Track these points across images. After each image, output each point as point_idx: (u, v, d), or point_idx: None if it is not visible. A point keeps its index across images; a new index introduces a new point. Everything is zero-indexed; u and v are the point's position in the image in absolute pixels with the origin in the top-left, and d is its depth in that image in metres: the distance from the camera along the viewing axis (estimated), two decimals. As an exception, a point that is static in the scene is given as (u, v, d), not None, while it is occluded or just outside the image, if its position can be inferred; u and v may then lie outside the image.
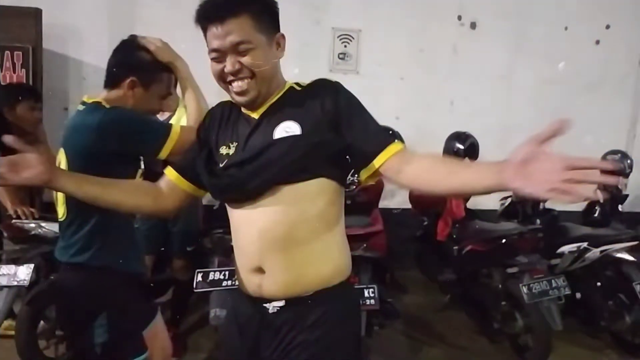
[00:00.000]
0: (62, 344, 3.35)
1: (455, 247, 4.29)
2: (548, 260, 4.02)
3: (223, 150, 1.64)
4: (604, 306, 3.73)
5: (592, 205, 4.53)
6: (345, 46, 6.05)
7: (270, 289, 1.59)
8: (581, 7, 6.19)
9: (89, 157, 2.03)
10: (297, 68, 3.40)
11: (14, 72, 4.78)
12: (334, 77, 1.66)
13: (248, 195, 1.54)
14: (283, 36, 1.63)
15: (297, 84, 1.68)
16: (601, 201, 4.51)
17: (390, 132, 4.56)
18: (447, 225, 4.56)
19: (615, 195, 4.67)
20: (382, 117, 1.77)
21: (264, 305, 1.60)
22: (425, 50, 6.17)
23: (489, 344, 4.11)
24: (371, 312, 3.38)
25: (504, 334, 3.90)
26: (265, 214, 1.55)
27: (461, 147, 4.68)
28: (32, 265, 3.19)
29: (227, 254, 3.44)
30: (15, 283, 3.16)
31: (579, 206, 4.73)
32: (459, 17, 6.19)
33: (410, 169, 1.48)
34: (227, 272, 3.33)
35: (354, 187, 4.21)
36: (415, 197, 4.85)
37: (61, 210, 2.19)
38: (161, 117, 3.42)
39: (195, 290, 3.41)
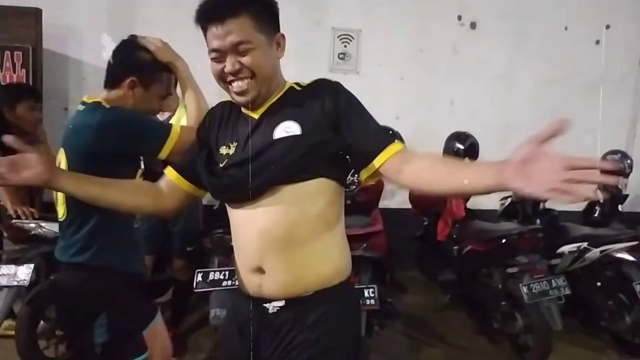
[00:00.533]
0: (62, 344, 3.35)
1: (455, 247, 4.29)
2: (548, 260, 4.02)
3: (223, 150, 1.64)
4: (604, 306, 3.73)
5: (592, 205, 4.53)
6: (345, 46, 6.05)
7: (270, 289, 1.59)
8: (581, 7, 6.19)
9: (89, 157, 2.03)
10: (297, 68, 3.40)
11: (14, 72, 4.78)
12: (334, 77, 1.66)
13: (248, 195, 1.53)
14: (283, 36, 1.63)
15: (297, 84, 1.68)
16: (601, 201, 4.51)
17: (390, 132, 4.55)
18: (447, 225, 4.56)
19: (615, 195, 4.67)
20: (382, 117, 1.77)
21: (264, 305, 1.61)
22: (425, 50, 6.16)
23: (489, 344, 4.11)
24: (371, 312, 3.38)
25: (504, 334, 3.90)
26: (265, 214, 1.55)
27: (461, 147, 4.68)
28: (32, 265, 3.19)
29: (227, 254, 3.44)
30: (15, 283, 3.16)
31: (579, 206, 4.74)
32: (459, 17, 6.19)
33: (410, 169, 1.48)
34: (227, 272, 3.33)
35: (354, 187, 4.21)
36: (415, 197, 4.85)
37: (61, 210, 2.19)
38: (161, 117, 3.42)
39: (195, 290, 3.41)
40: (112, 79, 2.16)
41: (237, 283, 1.76)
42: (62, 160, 2.13)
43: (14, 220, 3.29)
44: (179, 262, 3.99)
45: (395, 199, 5.82)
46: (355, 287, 3.15)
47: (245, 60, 1.52)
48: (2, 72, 4.75)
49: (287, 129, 1.55)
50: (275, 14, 1.60)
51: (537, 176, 1.10)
